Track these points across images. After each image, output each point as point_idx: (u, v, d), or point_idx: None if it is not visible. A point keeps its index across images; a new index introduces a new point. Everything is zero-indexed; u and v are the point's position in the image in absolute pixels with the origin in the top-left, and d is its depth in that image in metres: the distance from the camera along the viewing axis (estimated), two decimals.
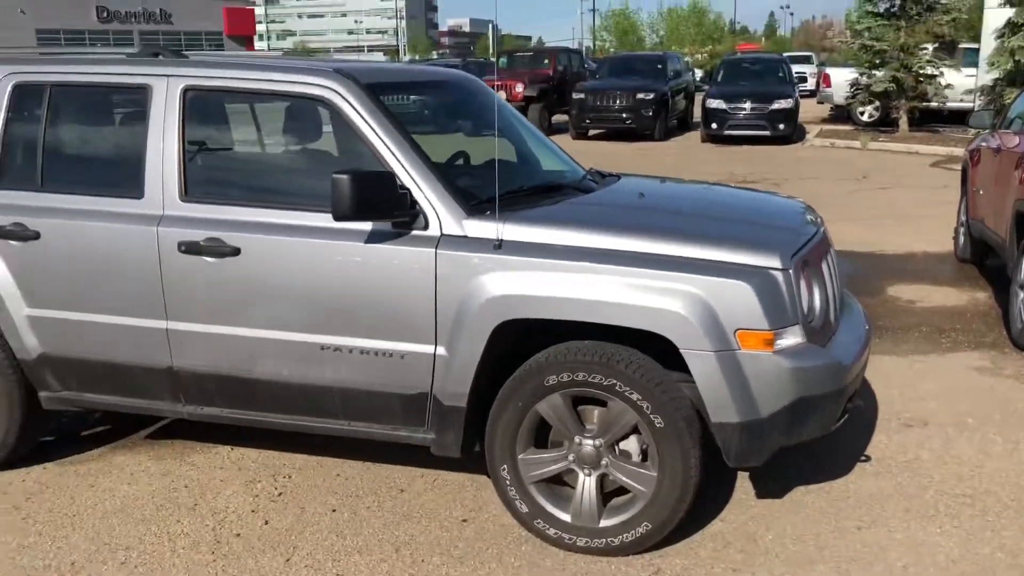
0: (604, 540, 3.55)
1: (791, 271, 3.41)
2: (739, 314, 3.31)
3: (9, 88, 4.15)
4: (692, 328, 3.29)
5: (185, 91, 3.91)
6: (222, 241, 3.77)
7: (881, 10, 19.70)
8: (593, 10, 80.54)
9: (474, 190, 3.75)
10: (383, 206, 3.50)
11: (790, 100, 19.37)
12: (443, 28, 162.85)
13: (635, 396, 3.39)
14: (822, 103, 25.53)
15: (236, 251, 3.76)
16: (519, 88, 21.46)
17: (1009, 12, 17.36)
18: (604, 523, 3.56)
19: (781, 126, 19.10)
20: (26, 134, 4.17)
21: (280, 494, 4.15)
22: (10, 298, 4.10)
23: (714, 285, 3.31)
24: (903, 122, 19.59)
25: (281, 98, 3.92)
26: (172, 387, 4.03)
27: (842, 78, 22.68)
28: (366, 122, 3.69)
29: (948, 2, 19.29)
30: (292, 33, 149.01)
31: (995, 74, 17.38)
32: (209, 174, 4.03)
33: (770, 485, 4.12)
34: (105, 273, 3.97)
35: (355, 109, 3.71)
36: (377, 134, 3.68)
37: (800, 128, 20.46)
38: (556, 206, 3.94)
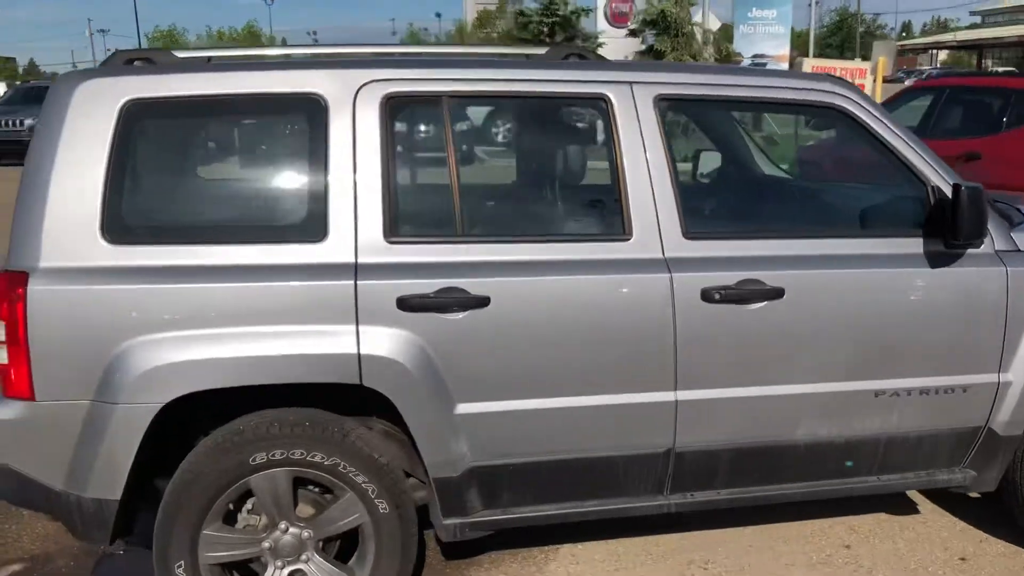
0: None
1: None
2: None
3: (379, 101, 2.93)
4: None
5: (658, 101, 3.10)
6: (761, 282, 3.07)
7: None
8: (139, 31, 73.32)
9: None
10: (984, 223, 3.12)
11: None
12: None
13: None
14: None
15: (779, 293, 3.08)
16: None
17: None
18: None
19: None
20: (417, 165, 2.99)
21: None
22: (434, 395, 2.91)
23: None
24: None
25: (780, 107, 3.29)
26: (660, 475, 3.17)
27: None
28: (890, 130, 3.25)
29: None
30: None
31: None
32: (707, 203, 3.24)
33: None
34: (586, 341, 3.00)
35: (874, 116, 3.25)
36: (905, 142, 3.26)
37: None
38: None
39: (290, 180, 3.02)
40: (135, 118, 2.82)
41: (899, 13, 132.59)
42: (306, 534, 2.99)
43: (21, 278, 2.74)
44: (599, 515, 3.22)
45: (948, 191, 3.15)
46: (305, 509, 3.02)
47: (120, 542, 2.99)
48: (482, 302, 2.90)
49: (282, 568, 3.00)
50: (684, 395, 3.09)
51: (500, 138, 3.34)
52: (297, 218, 2.94)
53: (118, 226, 2.79)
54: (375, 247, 2.88)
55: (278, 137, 3.22)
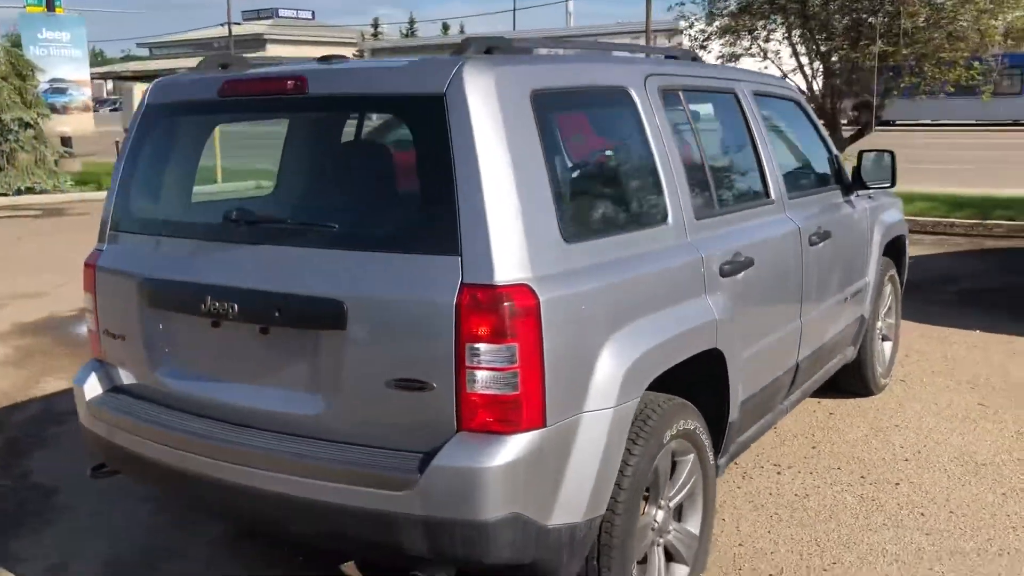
0: None
1: None
2: None
3: (657, 92, 3.20)
4: None
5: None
6: (824, 229, 4.15)
7: None
8: None
9: None
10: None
11: None
12: None
13: None
14: None
15: (829, 234, 4.20)
16: None
17: None
18: None
19: None
20: (683, 149, 3.32)
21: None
22: (739, 346, 3.34)
23: None
24: None
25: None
26: (787, 385, 4.02)
27: None
28: (817, 121, 4.61)
29: None
30: None
31: None
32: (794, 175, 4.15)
33: None
34: (783, 284, 3.78)
35: (810, 111, 4.56)
36: (822, 130, 4.65)
37: None
38: None
39: (639, 167, 3.07)
40: (542, 110, 2.64)
41: None
42: (669, 505, 3.13)
43: (527, 292, 2.41)
44: (767, 428, 3.95)
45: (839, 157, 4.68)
46: None
47: None
48: (751, 263, 3.43)
49: (659, 546, 3.09)
50: (804, 317, 4.02)
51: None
52: (650, 204, 3.05)
53: (567, 224, 2.61)
54: (691, 224, 3.18)
55: (614, 126, 3.13)
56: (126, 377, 3.12)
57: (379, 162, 2.84)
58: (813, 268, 4.06)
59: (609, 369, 2.62)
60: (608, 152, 3.07)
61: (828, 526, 3.86)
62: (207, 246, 2.84)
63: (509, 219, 2.42)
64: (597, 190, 2.93)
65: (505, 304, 2.37)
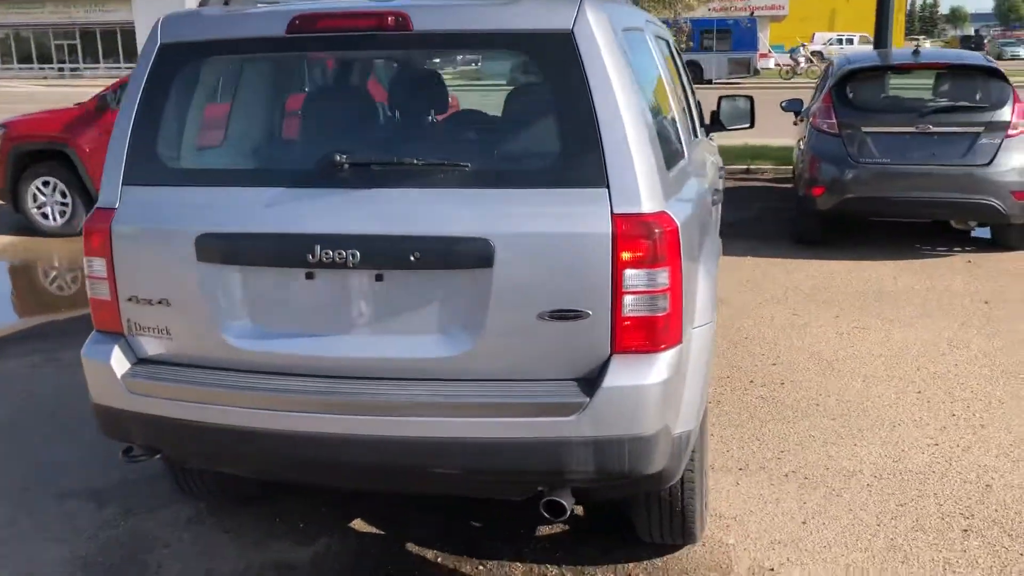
0: None
1: None
2: None
3: (651, 32, 3.49)
4: None
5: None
6: (721, 169, 4.65)
7: None
8: None
9: None
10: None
11: None
12: None
13: None
14: None
15: (721, 169, 4.72)
16: None
17: None
18: None
19: None
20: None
21: None
22: None
23: None
24: None
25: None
26: None
27: None
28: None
29: None
30: None
31: None
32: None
33: None
34: (715, 214, 4.21)
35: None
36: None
37: None
38: None
39: (665, 101, 3.29)
40: (630, 46, 2.82)
41: None
42: None
43: (669, 218, 2.60)
44: None
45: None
46: None
47: None
48: (720, 194, 3.84)
49: None
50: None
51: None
52: (676, 137, 3.32)
53: (663, 151, 2.81)
54: (690, 158, 3.52)
55: (645, 60, 3.23)
56: (162, 347, 2.83)
57: (509, 98, 2.83)
58: (717, 200, 4.56)
59: (705, 288, 2.90)
60: (652, 86, 3.26)
61: (754, 424, 4.42)
62: (297, 193, 2.65)
63: (645, 149, 2.58)
64: (660, 123, 3.14)
65: (656, 231, 2.54)
